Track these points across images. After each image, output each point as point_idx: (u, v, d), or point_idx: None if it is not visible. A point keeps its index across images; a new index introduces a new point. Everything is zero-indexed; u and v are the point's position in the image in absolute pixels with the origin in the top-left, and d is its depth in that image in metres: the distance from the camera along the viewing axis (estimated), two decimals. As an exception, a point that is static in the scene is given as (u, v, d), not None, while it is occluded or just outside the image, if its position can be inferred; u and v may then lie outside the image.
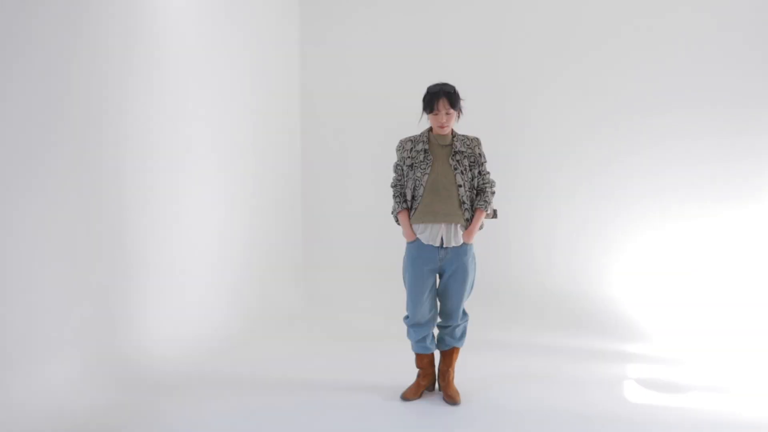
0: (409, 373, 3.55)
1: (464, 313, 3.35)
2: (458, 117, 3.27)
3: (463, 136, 3.22)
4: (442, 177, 3.12)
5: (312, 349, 4.23)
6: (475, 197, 3.20)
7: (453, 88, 3.14)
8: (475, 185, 3.19)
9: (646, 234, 4.73)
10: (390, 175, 5.55)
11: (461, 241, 3.16)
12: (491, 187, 3.22)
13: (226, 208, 4.62)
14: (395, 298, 4.05)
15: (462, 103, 3.22)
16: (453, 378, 3.33)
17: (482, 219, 3.19)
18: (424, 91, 5.20)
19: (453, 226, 3.14)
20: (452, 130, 3.22)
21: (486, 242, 5.02)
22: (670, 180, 4.66)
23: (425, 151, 3.16)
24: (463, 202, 3.13)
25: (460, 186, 3.12)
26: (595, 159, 4.88)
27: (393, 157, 5.40)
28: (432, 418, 3.06)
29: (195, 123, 4.26)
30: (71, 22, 3.28)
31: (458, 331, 3.33)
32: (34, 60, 3.07)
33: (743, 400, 3.26)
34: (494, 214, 3.31)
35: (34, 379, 3.03)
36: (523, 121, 5.05)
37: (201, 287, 4.33)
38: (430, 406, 3.21)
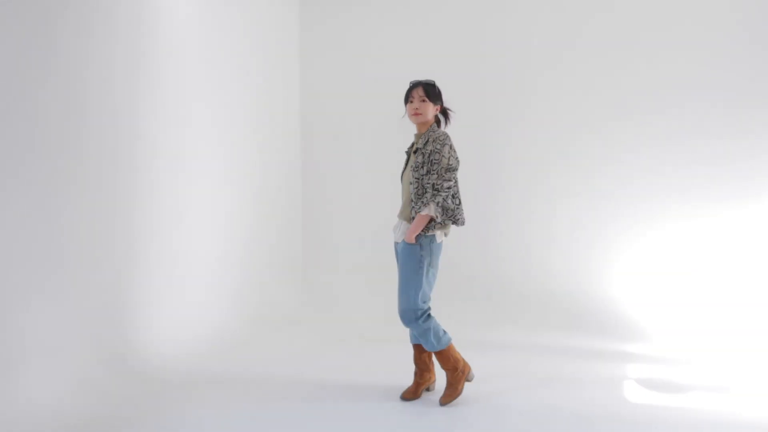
0: (409, 374, 3.55)
1: (411, 320, 3.14)
2: (446, 122, 3.32)
3: (433, 133, 3.15)
4: (404, 175, 3.25)
5: (312, 350, 4.23)
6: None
7: (433, 82, 3.25)
8: (431, 183, 3.07)
9: (646, 234, 4.72)
10: (390, 175, 5.58)
11: (401, 237, 3.20)
12: (440, 192, 3.05)
13: (227, 208, 4.62)
14: (395, 299, 4.05)
15: (451, 114, 3.33)
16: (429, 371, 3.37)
17: (422, 222, 3.06)
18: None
19: (402, 222, 3.23)
20: (431, 127, 3.22)
21: (486, 242, 5.04)
22: (670, 180, 4.66)
23: (407, 152, 3.32)
24: (412, 200, 3.15)
25: (410, 183, 3.16)
26: (595, 159, 4.87)
27: (393, 157, 5.43)
28: (432, 418, 3.06)
29: (196, 124, 4.26)
30: (74, 25, 3.29)
31: (418, 334, 3.20)
32: (40, 61, 3.08)
33: (743, 400, 3.26)
34: (450, 220, 3.10)
35: (34, 379, 3.03)
36: (522, 121, 5.05)
37: (202, 288, 4.33)
38: (430, 407, 3.20)
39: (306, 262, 5.52)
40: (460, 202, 3.16)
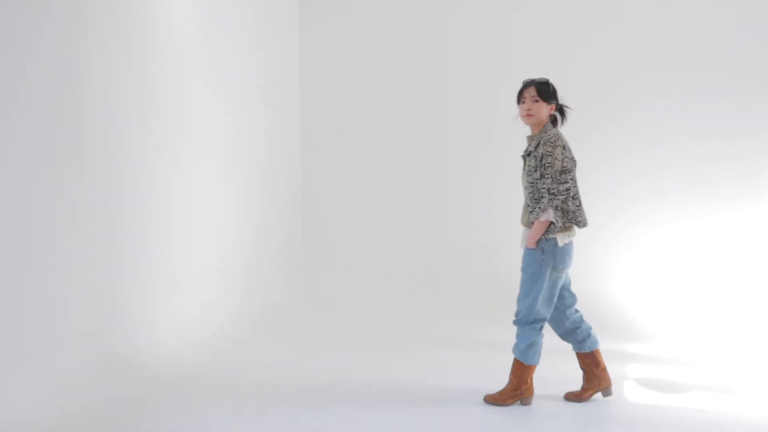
0: (409, 371, 3.52)
1: (523, 323, 3.11)
2: (562, 120, 3.17)
3: (545, 135, 3.05)
4: (521, 179, 3.18)
5: (314, 350, 4.22)
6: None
7: (546, 80, 3.09)
8: (547, 188, 2.98)
9: (646, 234, 4.72)
10: (390, 175, 5.55)
11: (524, 244, 3.12)
12: (557, 195, 2.96)
13: (228, 210, 4.62)
14: (397, 298, 4.06)
15: (567, 111, 3.18)
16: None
17: (541, 228, 2.99)
18: (423, 88, 5.17)
19: (524, 228, 3.15)
20: (544, 127, 3.10)
21: (485, 242, 5.03)
22: (671, 179, 4.65)
23: (522, 156, 3.18)
24: (528, 204, 3.09)
25: (525, 188, 3.10)
26: (595, 158, 4.85)
27: (393, 155, 5.41)
28: (432, 419, 3.05)
29: (196, 125, 4.26)
30: (69, 22, 3.29)
31: (519, 334, 3.15)
32: (36, 59, 3.07)
33: (744, 400, 3.26)
34: (572, 222, 3.03)
35: (34, 379, 3.03)
36: (521, 122, 5.02)
37: (204, 289, 4.33)
38: (429, 408, 3.19)
39: (307, 263, 5.52)
40: (580, 203, 3.07)
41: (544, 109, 3.06)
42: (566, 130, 4.97)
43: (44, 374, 3.08)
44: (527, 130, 3.20)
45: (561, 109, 3.17)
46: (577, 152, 4.95)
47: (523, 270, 3.13)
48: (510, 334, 4.43)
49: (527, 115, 3.07)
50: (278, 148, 5.27)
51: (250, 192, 4.89)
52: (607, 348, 4.17)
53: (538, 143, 3.03)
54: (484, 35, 5.11)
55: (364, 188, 5.40)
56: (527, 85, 3.10)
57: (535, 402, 3.22)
